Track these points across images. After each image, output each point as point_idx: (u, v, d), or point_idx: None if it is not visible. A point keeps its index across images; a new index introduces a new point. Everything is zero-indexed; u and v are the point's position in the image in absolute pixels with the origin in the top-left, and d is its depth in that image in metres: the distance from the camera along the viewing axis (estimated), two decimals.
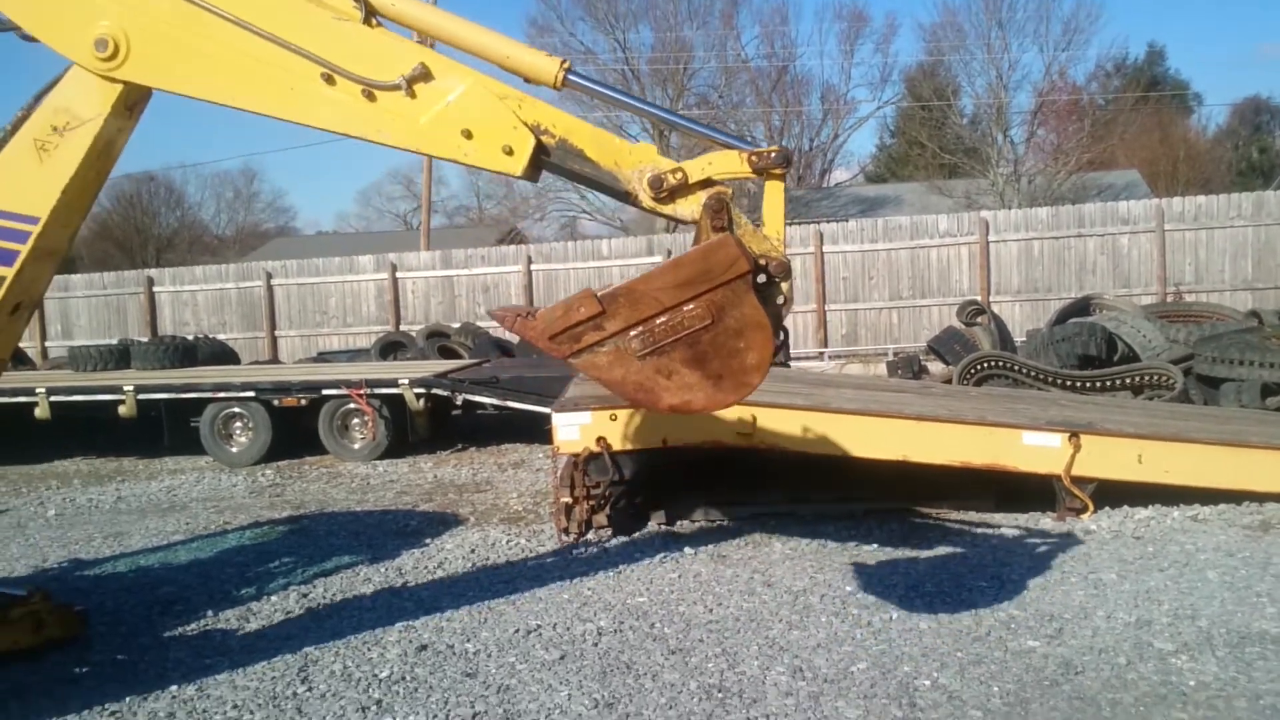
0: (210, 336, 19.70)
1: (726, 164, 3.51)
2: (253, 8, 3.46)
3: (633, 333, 3.33)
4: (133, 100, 3.67)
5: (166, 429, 12.62)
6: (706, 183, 3.51)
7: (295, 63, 3.46)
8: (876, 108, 50.68)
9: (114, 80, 3.55)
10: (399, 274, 22.08)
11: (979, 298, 18.90)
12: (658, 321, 3.33)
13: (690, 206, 3.52)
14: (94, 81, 3.56)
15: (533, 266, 21.46)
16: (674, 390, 3.40)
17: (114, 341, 17.40)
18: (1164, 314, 15.06)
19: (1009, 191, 37.11)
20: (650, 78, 43.21)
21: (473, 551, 7.53)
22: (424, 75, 3.45)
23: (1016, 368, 11.48)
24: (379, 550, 7.72)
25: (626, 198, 3.60)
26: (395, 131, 3.52)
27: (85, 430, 13.52)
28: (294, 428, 12.34)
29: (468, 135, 3.48)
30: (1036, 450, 7.47)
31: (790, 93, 50.22)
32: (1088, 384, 11.24)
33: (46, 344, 23.17)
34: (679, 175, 3.49)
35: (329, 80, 3.46)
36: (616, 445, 7.58)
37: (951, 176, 40.44)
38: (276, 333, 22.62)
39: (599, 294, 3.37)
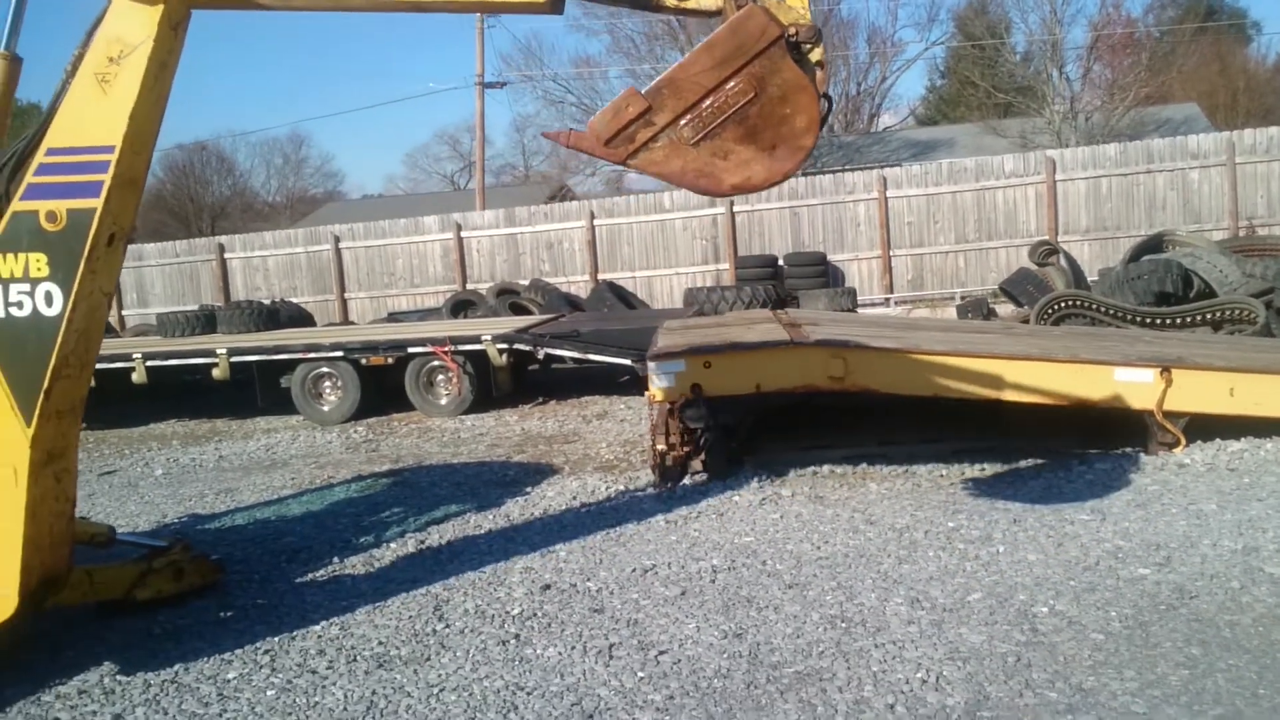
0: (286, 300, 20.15)
1: None
2: None
3: (683, 121, 3.44)
4: (175, 20, 3.87)
5: (259, 389, 13.02)
6: None
7: None
8: (925, 48, 50.06)
9: (155, 1, 3.74)
10: (464, 233, 22.34)
11: (1048, 237, 18.76)
12: (704, 105, 3.42)
13: None
14: (137, 7, 3.76)
15: (595, 222, 21.60)
16: (733, 169, 3.49)
17: (195, 308, 17.87)
18: (1238, 248, 14.90)
19: (1065, 129, 36.46)
20: (696, 27, 42.81)
21: (574, 498, 7.78)
22: None
23: (1095, 306, 11.48)
24: (483, 499, 8.00)
25: (649, 3, 3.68)
26: None
27: (175, 394, 13.97)
28: (381, 386, 12.69)
29: None
30: (1129, 386, 7.54)
31: (836, 36, 49.53)
32: (1167, 320, 11.22)
33: (124, 312, 23.76)
34: None
35: None
36: (710, 392, 7.76)
37: (1006, 116, 39.80)
38: (346, 295, 23.04)
39: (642, 91, 3.50)
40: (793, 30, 3.41)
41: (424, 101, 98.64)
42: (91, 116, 3.81)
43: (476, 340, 12.20)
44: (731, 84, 3.36)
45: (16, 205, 3.88)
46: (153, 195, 57.88)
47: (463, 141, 63.47)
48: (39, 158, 3.87)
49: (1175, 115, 38.08)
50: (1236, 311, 11.02)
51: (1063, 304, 11.67)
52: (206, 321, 15.12)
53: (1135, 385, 7.52)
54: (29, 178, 3.88)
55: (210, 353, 12.85)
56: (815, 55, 3.45)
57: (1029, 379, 7.58)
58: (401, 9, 3.79)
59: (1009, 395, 7.57)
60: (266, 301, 18.51)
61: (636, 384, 11.93)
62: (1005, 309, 16.27)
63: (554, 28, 79.90)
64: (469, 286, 21.76)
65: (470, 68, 31.43)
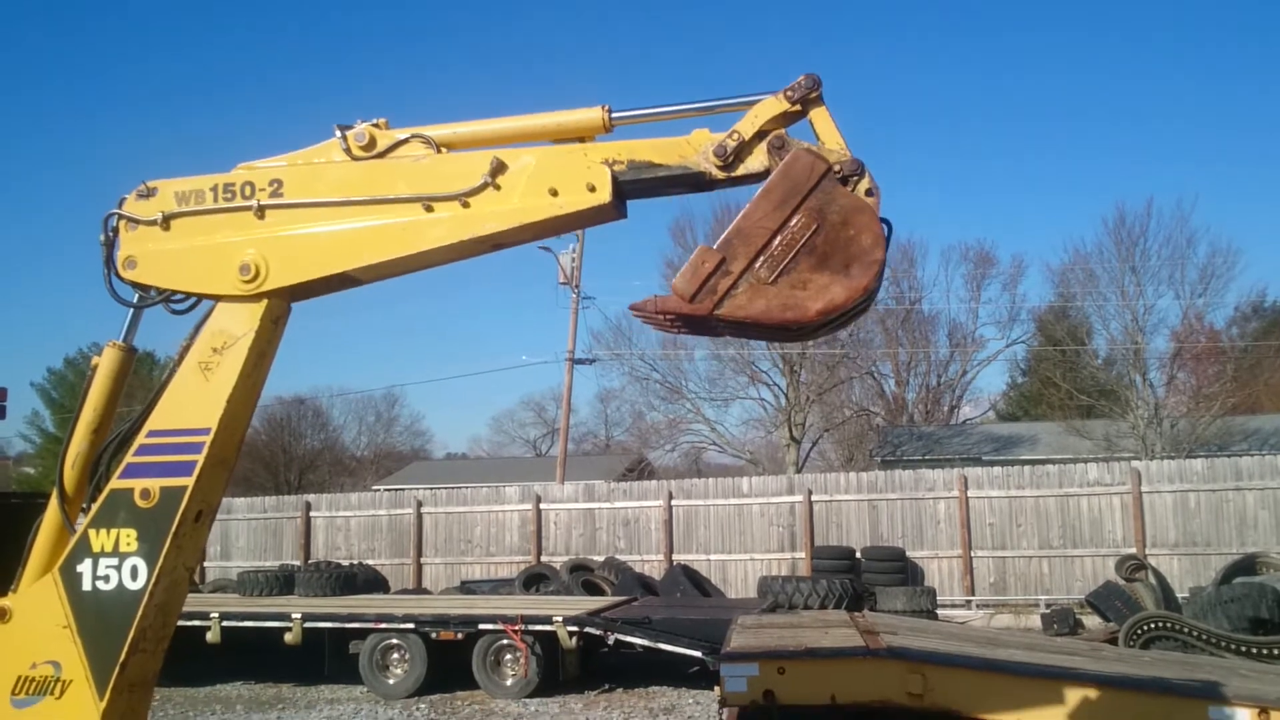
0: (363, 563, 20.36)
1: (769, 109, 3.77)
2: (350, 183, 4.03)
3: (757, 263, 3.56)
4: (276, 315, 4.20)
5: (328, 657, 12.99)
6: (761, 134, 3.77)
7: (398, 209, 3.99)
8: (1005, 345, 50.59)
9: (259, 296, 4.09)
10: (542, 505, 22.62)
11: (1135, 550, 18.32)
12: (773, 245, 3.56)
13: (757, 159, 3.77)
14: (242, 304, 4.11)
15: (673, 502, 21.73)
16: (814, 295, 3.55)
17: (276, 566, 18.15)
18: None
19: (1151, 434, 36.16)
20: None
21: None
22: (500, 167, 3.91)
23: (1186, 630, 11.06)
24: None
25: (702, 180, 3.86)
26: (497, 219, 3.95)
27: (246, 652, 13.96)
28: (447, 660, 12.55)
29: (554, 193, 3.88)
30: None
31: (918, 331, 50.79)
32: (1264, 651, 10.73)
33: (206, 565, 24.12)
34: (734, 136, 3.77)
35: (429, 209, 3.96)
36: (783, 699, 7.55)
37: (1089, 417, 39.72)
38: (422, 560, 23.17)
39: (713, 246, 3.63)
40: (837, 167, 3.64)
41: (514, 371, 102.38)
42: (193, 401, 4.10)
43: (548, 620, 12.12)
44: (794, 221, 3.56)
45: (115, 484, 4.12)
46: (247, 445, 59.43)
47: (547, 409, 65.18)
48: (140, 439, 4.14)
49: (1265, 426, 37.71)
50: None
51: (1153, 625, 11.28)
52: (285, 582, 15.32)
53: None
54: (129, 458, 4.14)
55: (285, 616, 12.95)
56: (863, 186, 3.64)
57: (1117, 710, 7.27)
58: (479, 251, 4.12)
59: None
60: (345, 564, 18.75)
61: (706, 676, 11.64)
62: (1092, 620, 15.73)
63: None
64: (544, 559, 21.78)
65: (561, 342, 32.87)
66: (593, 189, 3.84)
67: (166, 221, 4.08)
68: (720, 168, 3.79)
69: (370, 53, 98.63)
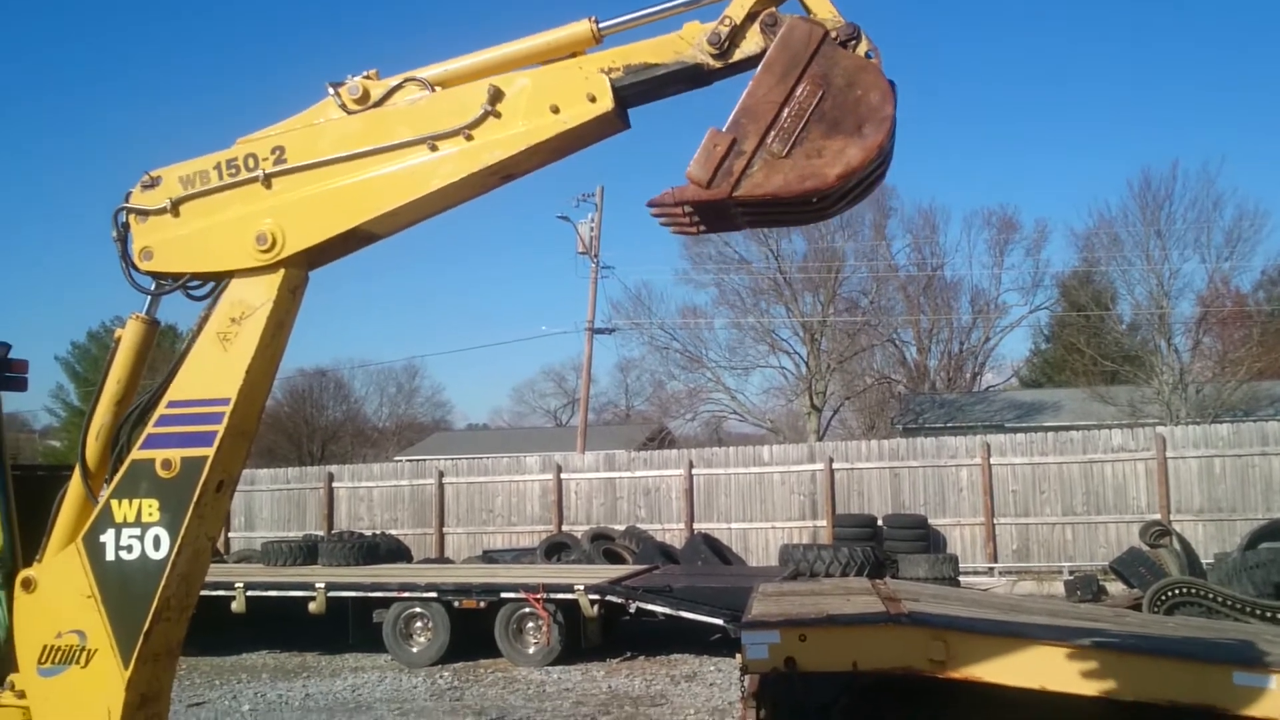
0: (386, 533, 20.49)
1: None
2: (351, 137, 4.02)
3: (769, 138, 3.53)
4: (294, 285, 4.21)
5: (352, 625, 13.10)
6: (752, 16, 3.73)
7: (403, 154, 3.97)
8: (1029, 311, 50.28)
9: (277, 265, 4.08)
10: (563, 475, 22.69)
11: (1159, 516, 18.20)
12: (782, 117, 3.53)
13: (752, 42, 3.73)
14: (259, 275, 4.10)
15: (694, 471, 21.75)
16: (830, 161, 3.51)
17: (299, 536, 18.27)
18: None
19: (1175, 400, 35.88)
20: (801, 284, 44.25)
21: None
22: (498, 94, 3.89)
23: (1211, 596, 10.99)
24: None
25: (700, 72, 3.82)
26: (503, 146, 3.93)
27: (271, 621, 14.10)
28: (470, 629, 12.64)
29: (555, 110, 3.85)
30: (1249, 692, 7.10)
31: (940, 297, 50.53)
32: None
33: (230, 535, 24.34)
34: (726, 22, 3.73)
35: (433, 148, 3.95)
36: (804, 666, 7.54)
37: (1113, 383, 39.46)
38: (444, 529, 23.32)
39: (722, 129, 3.59)
40: (834, 33, 3.61)
41: (534, 341, 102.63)
42: (212, 371, 4.11)
43: (569, 589, 12.18)
44: (799, 90, 3.52)
45: (136, 454, 4.13)
46: (270, 416, 60.07)
47: (568, 379, 65.23)
48: (160, 409, 4.15)
49: None
50: None
51: (1177, 591, 11.21)
52: (309, 552, 15.44)
53: (1257, 691, 7.09)
54: (149, 428, 4.15)
55: (309, 585, 13.06)
56: (862, 49, 3.61)
57: (1143, 675, 7.21)
58: (490, 184, 4.11)
59: (1123, 692, 7.19)
60: (367, 534, 18.87)
61: (727, 644, 11.68)
62: (1115, 587, 15.67)
63: (664, 278, 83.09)
64: (565, 528, 21.86)
65: (581, 312, 32.81)
66: (593, 99, 3.81)
67: (175, 207, 4.08)
68: (715, 56, 3.75)
69: (348, 11, 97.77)
